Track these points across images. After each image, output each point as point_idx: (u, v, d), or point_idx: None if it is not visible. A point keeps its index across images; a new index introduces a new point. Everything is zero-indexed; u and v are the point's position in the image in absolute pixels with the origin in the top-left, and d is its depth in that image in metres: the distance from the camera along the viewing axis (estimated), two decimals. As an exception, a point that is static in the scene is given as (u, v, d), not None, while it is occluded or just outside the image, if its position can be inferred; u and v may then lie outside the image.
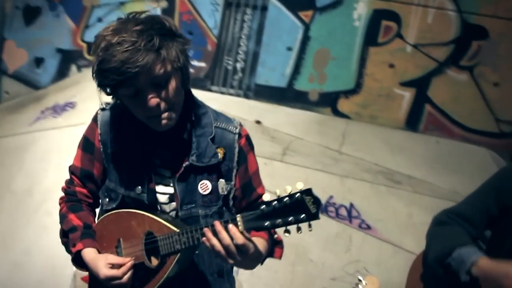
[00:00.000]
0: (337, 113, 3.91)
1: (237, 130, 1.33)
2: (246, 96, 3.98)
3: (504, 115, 3.81)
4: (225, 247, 1.09)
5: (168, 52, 1.13)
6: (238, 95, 4.00)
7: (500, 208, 1.49)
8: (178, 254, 1.20)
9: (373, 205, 2.84)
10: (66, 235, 1.43)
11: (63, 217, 1.45)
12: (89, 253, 1.33)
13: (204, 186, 1.29)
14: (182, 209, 1.30)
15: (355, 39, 3.82)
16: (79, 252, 1.34)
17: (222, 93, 4.01)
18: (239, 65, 3.98)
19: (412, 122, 3.85)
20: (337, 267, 2.42)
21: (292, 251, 2.43)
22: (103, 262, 1.27)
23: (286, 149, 3.24)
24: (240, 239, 1.08)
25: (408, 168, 3.36)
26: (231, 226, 1.10)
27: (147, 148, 1.33)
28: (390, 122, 3.83)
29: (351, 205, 2.71)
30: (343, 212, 2.67)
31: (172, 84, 1.14)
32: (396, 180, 3.14)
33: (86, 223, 1.41)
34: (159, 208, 1.33)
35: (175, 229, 1.20)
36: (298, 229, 1.07)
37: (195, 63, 4.01)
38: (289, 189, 1.12)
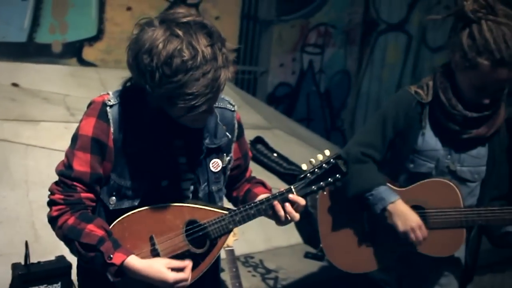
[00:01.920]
0: (83, 62, 4.02)
1: (234, 108, 1.51)
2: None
3: None
4: (292, 212, 1.43)
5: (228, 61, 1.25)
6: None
7: (395, 132, 2.03)
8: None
9: None
10: (92, 249, 1.38)
11: (78, 231, 1.40)
12: (137, 261, 1.35)
13: (216, 164, 1.48)
14: (200, 190, 1.46)
15: None
16: (121, 263, 1.35)
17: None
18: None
19: None
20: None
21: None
22: (164, 267, 1.34)
23: (72, 109, 3.37)
24: (303, 201, 1.45)
25: None
26: (293, 196, 1.45)
27: (165, 139, 1.40)
28: None
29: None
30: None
31: None
32: None
33: (108, 231, 1.40)
34: (187, 195, 1.45)
35: (222, 211, 1.44)
36: (334, 186, 1.48)
37: None
38: (321, 157, 1.48)
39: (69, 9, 3.90)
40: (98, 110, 1.42)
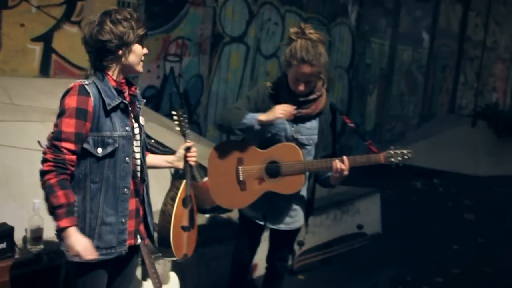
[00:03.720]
0: None
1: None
2: None
3: None
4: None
5: None
6: None
7: (256, 109, 2.71)
8: None
9: None
10: (53, 209, 1.91)
11: (52, 191, 1.91)
12: (74, 231, 1.92)
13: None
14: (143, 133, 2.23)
15: None
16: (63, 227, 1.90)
17: None
18: None
19: (45, 70, 4.66)
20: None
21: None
22: (85, 246, 1.95)
23: None
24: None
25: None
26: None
27: (119, 100, 2.02)
28: (29, 72, 4.53)
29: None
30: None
31: None
32: None
33: (70, 202, 1.93)
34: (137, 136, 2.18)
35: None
36: None
37: None
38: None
39: None
40: (77, 89, 1.97)
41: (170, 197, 2.44)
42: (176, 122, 2.54)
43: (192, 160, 2.39)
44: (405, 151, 2.66)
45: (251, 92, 2.89)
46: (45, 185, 1.96)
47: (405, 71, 10.89)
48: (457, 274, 4.67)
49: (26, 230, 2.90)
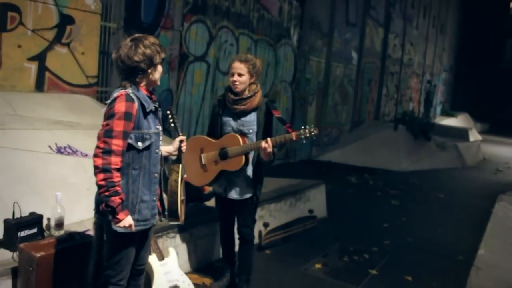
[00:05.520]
0: None
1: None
2: None
3: (89, 72, 5.44)
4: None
5: None
6: None
7: (214, 116, 3.30)
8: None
9: (78, 142, 3.97)
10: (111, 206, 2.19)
11: (115, 193, 2.19)
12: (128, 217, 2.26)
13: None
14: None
15: None
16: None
17: None
18: None
19: (40, 86, 4.83)
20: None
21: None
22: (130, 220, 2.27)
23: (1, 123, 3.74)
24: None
25: (63, 115, 4.44)
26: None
27: (152, 105, 2.34)
28: (26, 88, 4.70)
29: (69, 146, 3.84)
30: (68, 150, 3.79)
31: None
32: (72, 125, 4.29)
33: (123, 199, 2.24)
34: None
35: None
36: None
37: None
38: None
39: None
40: (124, 97, 2.21)
41: (174, 179, 2.78)
42: (171, 120, 2.91)
43: (184, 149, 2.76)
44: (312, 130, 3.01)
45: (212, 106, 3.49)
46: (106, 182, 2.23)
47: (338, 84, 11.38)
48: (388, 244, 5.21)
49: (48, 218, 3.15)
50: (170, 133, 3.42)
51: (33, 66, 4.85)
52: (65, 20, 5.02)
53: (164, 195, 2.69)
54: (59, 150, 3.82)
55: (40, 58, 4.87)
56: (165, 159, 2.71)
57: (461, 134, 13.61)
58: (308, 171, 7.74)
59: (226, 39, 7.54)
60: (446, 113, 20.39)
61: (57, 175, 3.58)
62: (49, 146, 3.82)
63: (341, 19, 10.96)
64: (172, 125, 2.89)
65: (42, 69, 4.91)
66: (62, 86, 5.11)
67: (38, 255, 2.43)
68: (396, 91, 15.51)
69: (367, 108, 13.35)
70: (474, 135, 14.88)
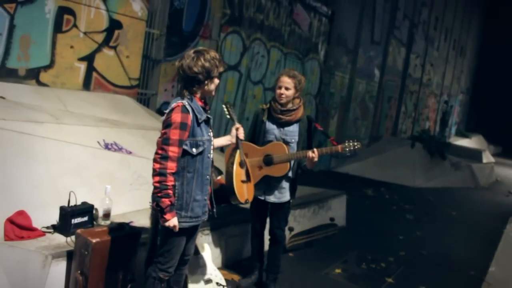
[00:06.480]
0: (40, 83, 4.55)
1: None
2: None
3: (132, 74, 5.67)
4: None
5: None
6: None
7: (257, 124, 3.37)
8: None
9: (123, 140, 4.09)
10: (162, 206, 2.34)
11: (166, 195, 2.33)
12: (174, 218, 2.40)
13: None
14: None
15: (47, 27, 4.56)
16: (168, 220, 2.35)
17: None
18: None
19: (87, 85, 5.00)
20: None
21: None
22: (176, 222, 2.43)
23: (52, 115, 3.91)
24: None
25: (108, 113, 4.56)
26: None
27: (204, 115, 2.46)
28: (74, 86, 4.89)
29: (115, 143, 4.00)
30: (115, 146, 3.94)
31: None
32: (116, 123, 4.45)
33: (172, 201, 2.36)
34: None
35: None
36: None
37: None
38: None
39: (31, 45, 4.44)
40: (180, 108, 2.33)
41: (230, 162, 3.04)
42: (227, 112, 3.11)
43: (240, 136, 2.93)
44: (355, 143, 3.23)
45: (255, 114, 3.60)
46: (160, 185, 2.38)
47: (359, 100, 11.48)
48: (403, 255, 5.29)
49: (96, 209, 3.28)
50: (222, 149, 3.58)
51: (82, 66, 5.03)
52: (114, 25, 5.22)
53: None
54: (107, 146, 3.99)
55: (89, 59, 5.06)
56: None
57: (475, 155, 13.55)
58: (327, 181, 7.82)
59: (258, 50, 7.69)
60: (460, 134, 20.26)
61: (105, 169, 3.75)
62: (98, 142, 3.99)
63: (366, 37, 11.07)
64: (228, 116, 3.10)
65: (90, 69, 5.10)
66: (107, 86, 5.30)
67: (94, 240, 2.58)
68: (414, 109, 15.51)
69: (386, 124, 13.40)
70: (487, 157, 14.79)
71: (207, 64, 2.42)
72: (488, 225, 7.47)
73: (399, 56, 13.25)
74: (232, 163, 3.02)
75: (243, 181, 3.08)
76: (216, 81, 2.55)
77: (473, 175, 11.35)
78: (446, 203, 8.85)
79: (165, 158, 2.35)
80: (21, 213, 2.89)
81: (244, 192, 3.07)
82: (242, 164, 3.14)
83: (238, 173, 3.02)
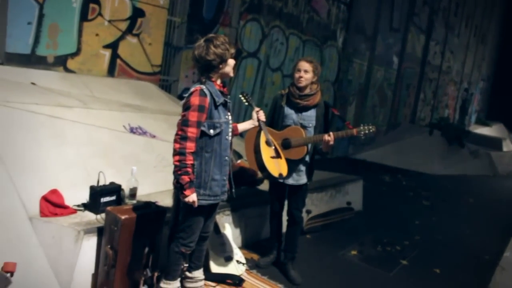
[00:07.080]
0: (67, 70, 4.72)
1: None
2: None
3: (154, 61, 5.94)
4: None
5: None
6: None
7: (276, 108, 3.45)
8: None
9: (147, 124, 4.26)
10: (183, 183, 2.46)
11: (186, 172, 2.45)
12: (194, 194, 2.51)
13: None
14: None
15: (74, 16, 4.71)
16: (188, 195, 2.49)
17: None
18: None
19: (111, 71, 5.14)
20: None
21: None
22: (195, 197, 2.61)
23: (80, 100, 4.04)
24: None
25: (131, 98, 4.72)
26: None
27: (222, 98, 2.56)
28: (100, 72, 5.03)
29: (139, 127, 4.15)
30: (139, 130, 4.09)
31: None
32: (140, 108, 4.56)
33: (191, 179, 2.49)
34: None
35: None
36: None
37: None
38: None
39: (59, 33, 4.58)
40: (199, 92, 2.44)
41: (256, 142, 3.25)
42: (244, 100, 3.26)
43: (262, 118, 3.05)
44: (370, 127, 3.31)
45: (273, 99, 3.66)
46: (180, 163, 2.52)
47: (378, 87, 11.44)
48: (418, 240, 5.36)
49: (123, 189, 3.39)
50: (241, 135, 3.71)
51: (107, 53, 5.19)
52: (137, 13, 5.35)
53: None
54: (132, 130, 4.15)
55: (113, 46, 5.21)
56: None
57: (495, 143, 13.40)
58: (344, 167, 7.89)
59: (277, 37, 7.74)
60: (481, 122, 19.98)
61: (130, 152, 3.91)
62: (124, 126, 4.15)
63: (385, 24, 10.99)
64: (246, 103, 3.25)
65: (115, 56, 5.25)
66: (130, 73, 5.45)
67: (123, 217, 2.74)
68: (433, 97, 15.36)
69: (404, 111, 13.31)
70: (508, 146, 14.60)
71: (218, 50, 2.53)
72: (505, 212, 7.47)
73: (418, 43, 13.10)
74: (258, 143, 3.17)
75: (272, 157, 3.19)
76: (231, 62, 2.64)
77: (491, 163, 11.27)
78: (463, 190, 8.84)
79: (184, 138, 2.48)
80: (54, 191, 3.06)
81: (275, 167, 3.21)
82: (269, 143, 3.26)
83: (265, 151, 3.15)
